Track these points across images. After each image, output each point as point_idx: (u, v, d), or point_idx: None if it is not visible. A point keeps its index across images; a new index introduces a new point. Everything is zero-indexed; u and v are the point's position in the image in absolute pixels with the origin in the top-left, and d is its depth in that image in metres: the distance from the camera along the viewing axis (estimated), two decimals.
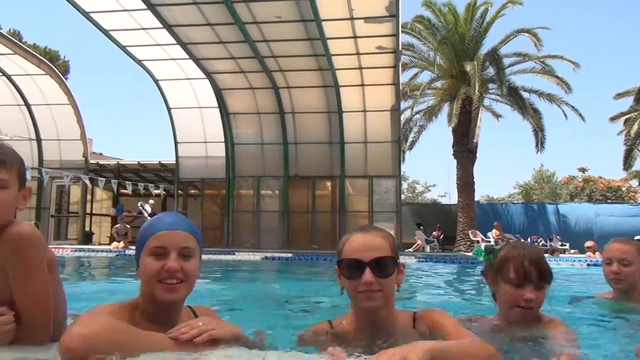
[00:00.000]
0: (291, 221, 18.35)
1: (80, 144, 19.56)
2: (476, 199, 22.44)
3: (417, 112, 23.14)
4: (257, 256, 13.69)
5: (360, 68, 16.33)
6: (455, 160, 21.06)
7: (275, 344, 2.06)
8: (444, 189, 59.17)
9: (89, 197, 20.79)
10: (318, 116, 18.14)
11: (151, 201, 18.92)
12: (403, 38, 17.82)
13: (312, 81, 17.24)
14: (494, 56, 20.01)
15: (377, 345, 1.79)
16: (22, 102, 18.95)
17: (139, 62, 16.66)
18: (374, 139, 18.06)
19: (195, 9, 13.45)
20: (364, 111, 17.88)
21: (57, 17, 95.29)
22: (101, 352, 1.45)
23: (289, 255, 14.11)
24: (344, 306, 2.04)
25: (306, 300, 5.75)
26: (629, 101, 25.56)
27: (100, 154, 25.58)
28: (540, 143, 21.27)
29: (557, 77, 20.95)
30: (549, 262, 2.33)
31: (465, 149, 20.37)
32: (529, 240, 17.58)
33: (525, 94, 21.34)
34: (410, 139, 23.38)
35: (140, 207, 18.64)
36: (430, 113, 22.92)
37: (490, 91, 21.73)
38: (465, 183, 20.79)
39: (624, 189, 36.39)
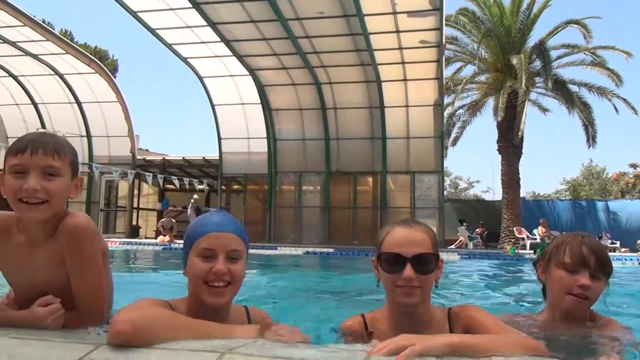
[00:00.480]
0: (332, 217, 18.38)
1: (128, 140, 20.08)
2: (521, 195, 21.91)
3: (460, 107, 22.79)
4: (299, 251, 13.80)
5: (403, 63, 16.17)
6: (500, 156, 20.59)
7: (316, 337, 2.07)
8: (487, 185, 57.98)
9: (135, 191, 21.32)
10: (360, 112, 18.08)
11: (195, 196, 19.29)
12: (447, 31, 17.52)
13: (354, 76, 17.19)
14: (540, 49, 19.44)
15: None
16: (73, 100, 19.62)
17: (184, 59, 17.00)
18: (417, 134, 17.86)
19: (239, 6, 13.61)
20: (406, 106, 17.70)
21: (107, 17, 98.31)
22: (150, 337, 1.47)
23: (331, 250, 14.17)
24: (382, 300, 2.02)
25: (347, 294, 5.77)
26: None
27: (147, 150, 26.17)
28: (591, 138, 20.57)
29: (607, 68, 20.16)
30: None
31: (510, 144, 19.90)
32: None
33: (574, 88, 20.68)
34: (453, 134, 23.03)
35: (194, 203, 19.02)
36: (474, 107, 22.50)
37: (537, 85, 21.16)
38: (510, 179, 20.32)
39: None
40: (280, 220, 18.70)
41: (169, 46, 16.00)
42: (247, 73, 17.32)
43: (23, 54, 17.53)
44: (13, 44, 16.85)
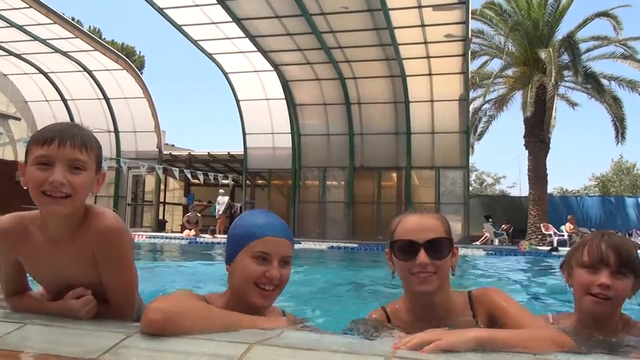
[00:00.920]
0: (356, 212, 18.34)
1: (155, 135, 20.33)
2: (549, 191, 21.56)
3: (486, 101, 22.49)
4: (322, 245, 13.84)
5: (428, 57, 16.01)
6: (527, 151, 20.28)
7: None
8: (513, 181, 57.12)
9: (162, 186, 21.62)
10: (384, 106, 17.99)
11: (221, 190, 19.46)
12: (472, 25, 17.28)
13: (378, 71, 17.10)
14: (569, 42, 19.05)
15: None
16: (101, 96, 19.94)
17: (209, 55, 17.15)
18: (442, 129, 17.67)
19: (264, 1, 13.67)
20: (432, 101, 17.54)
21: (134, 15, 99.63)
22: (181, 326, 1.51)
23: (354, 245, 14.17)
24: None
25: (371, 288, 5.78)
26: None
27: (173, 145, 26.47)
28: (620, 134, 20.14)
29: (639, 61, 19.68)
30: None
31: (537, 139, 19.57)
32: None
33: (604, 81, 20.23)
34: (479, 129, 22.76)
35: (230, 202, 19.30)
36: (501, 102, 22.19)
37: (565, 78, 20.76)
38: (537, 175, 19.99)
39: None
40: (304, 215, 18.75)
41: (194, 42, 16.16)
42: (272, 68, 17.37)
43: (53, 51, 17.90)
44: (43, 41, 17.22)
